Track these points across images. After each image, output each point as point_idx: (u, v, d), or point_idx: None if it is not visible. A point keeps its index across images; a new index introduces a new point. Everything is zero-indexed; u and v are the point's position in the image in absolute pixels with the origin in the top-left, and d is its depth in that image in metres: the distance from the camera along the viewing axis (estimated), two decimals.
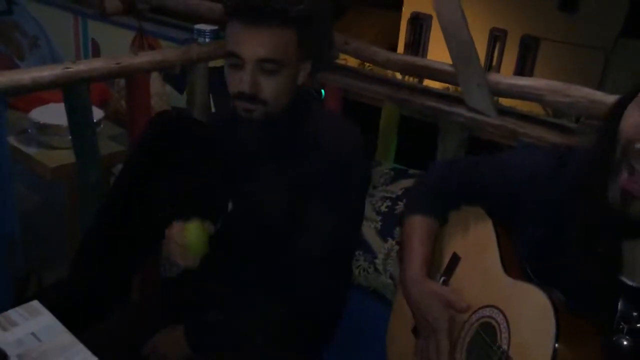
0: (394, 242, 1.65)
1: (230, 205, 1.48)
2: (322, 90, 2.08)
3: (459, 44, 1.64)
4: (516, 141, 1.58)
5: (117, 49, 2.76)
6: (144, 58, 1.80)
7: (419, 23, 16.23)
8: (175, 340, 1.32)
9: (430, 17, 14.92)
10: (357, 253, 1.67)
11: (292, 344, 1.35)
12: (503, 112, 1.66)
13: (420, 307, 1.12)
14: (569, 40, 14.13)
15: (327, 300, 1.36)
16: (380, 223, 1.70)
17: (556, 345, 0.87)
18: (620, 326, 0.90)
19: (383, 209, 1.72)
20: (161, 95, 2.40)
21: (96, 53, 2.89)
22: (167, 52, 1.92)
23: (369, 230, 1.70)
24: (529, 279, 1.01)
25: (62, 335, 1.02)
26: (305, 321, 1.33)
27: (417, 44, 16.62)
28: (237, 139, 1.40)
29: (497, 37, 15.46)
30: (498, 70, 15.18)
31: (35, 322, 1.06)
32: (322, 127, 1.33)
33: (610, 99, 1.46)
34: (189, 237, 1.29)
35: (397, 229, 1.67)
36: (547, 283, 0.96)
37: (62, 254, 2.15)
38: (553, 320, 0.89)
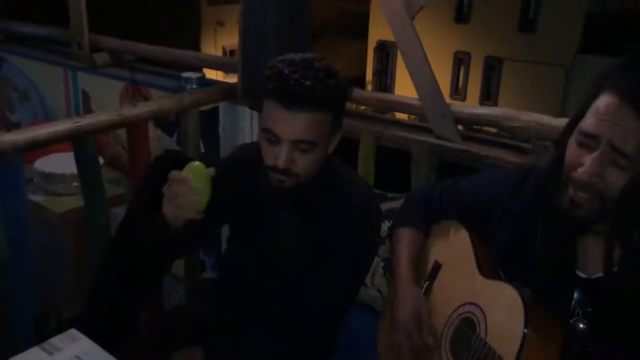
0: (379, 260, 1.83)
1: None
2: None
3: (423, 80, 1.87)
4: (479, 163, 1.80)
5: (106, 98, 2.93)
6: (143, 108, 1.99)
7: (385, 50, 16.72)
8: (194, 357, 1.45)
9: (395, 44, 15.26)
10: None
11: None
12: (466, 137, 1.88)
13: (399, 306, 1.29)
14: (531, 59, 14.71)
15: (331, 337, 1.52)
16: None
17: (525, 330, 1.05)
18: (577, 312, 1.09)
19: None
20: (154, 139, 2.58)
21: (87, 103, 3.05)
22: (163, 101, 2.10)
23: None
24: (501, 279, 1.20)
25: (104, 357, 1.18)
26: (308, 353, 1.46)
27: (385, 70, 17.10)
28: (258, 184, 1.45)
29: (461, 60, 16.01)
30: (465, 92, 15.67)
31: (76, 346, 1.21)
32: (343, 185, 1.42)
33: (556, 122, 1.70)
34: (192, 173, 1.23)
35: (382, 247, 1.86)
36: (516, 281, 1.14)
37: (70, 293, 2.29)
38: (522, 310, 1.07)
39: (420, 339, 1.25)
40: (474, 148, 1.84)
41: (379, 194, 2.07)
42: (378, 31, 15.81)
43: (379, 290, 1.81)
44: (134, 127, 2.02)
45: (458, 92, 15.79)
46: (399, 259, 1.36)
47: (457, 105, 1.88)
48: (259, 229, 1.49)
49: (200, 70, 2.61)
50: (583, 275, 1.10)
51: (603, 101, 0.98)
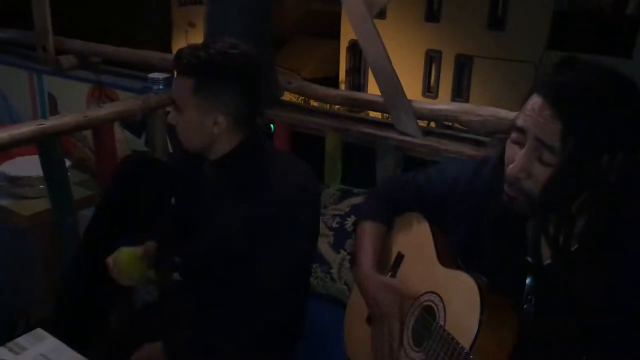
0: (345, 253, 1.87)
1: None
2: (272, 125, 2.32)
3: (385, 79, 1.91)
4: (440, 156, 1.85)
5: (73, 101, 2.91)
6: (108, 110, 1.99)
7: (358, 49, 16.78)
8: (154, 355, 1.46)
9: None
10: (314, 265, 1.89)
11: (259, 353, 1.50)
12: (427, 132, 1.93)
13: (374, 298, 1.32)
14: (500, 56, 14.92)
15: (287, 314, 1.52)
16: (332, 237, 1.93)
17: (481, 317, 1.09)
18: (529, 297, 1.13)
19: (334, 225, 1.96)
20: (121, 141, 2.57)
21: (53, 106, 3.02)
22: (129, 102, 2.11)
23: (323, 245, 1.92)
24: (459, 268, 1.23)
25: (70, 354, 1.19)
26: (269, 332, 1.48)
27: (358, 69, 17.19)
28: (198, 176, 1.55)
29: (432, 58, 16.17)
30: (437, 90, 15.84)
31: (42, 345, 1.22)
32: (273, 165, 1.47)
33: (513, 115, 1.74)
34: (119, 261, 1.52)
35: (348, 241, 1.90)
36: (473, 269, 1.18)
37: (40, 296, 2.28)
38: (478, 297, 1.11)
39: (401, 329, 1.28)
40: (435, 142, 1.89)
41: (345, 190, 2.11)
42: (350, 31, 15.84)
43: (346, 284, 1.85)
44: (100, 129, 2.02)
45: (430, 90, 15.95)
46: (362, 252, 1.40)
47: (418, 102, 1.93)
48: (202, 215, 1.54)
49: (168, 71, 2.61)
50: (533, 262, 1.13)
51: (531, 100, 1.03)
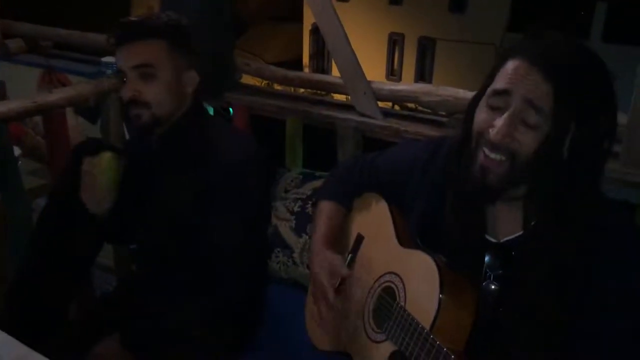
0: (307, 237, 1.86)
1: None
2: (230, 109, 2.27)
3: (344, 59, 1.89)
4: (400, 138, 1.85)
5: (24, 86, 2.80)
6: (59, 95, 1.92)
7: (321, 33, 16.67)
8: (113, 347, 1.44)
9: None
10: (275, 250, 1.87)
11: (219, 335, 1.49)
12: (387, 114, 1.92)
13: (315, 273, 1.32)
14: (462, 39, 15.07)
15: (244, 296, 1.51)
16: (294, 221, 1.90)
17: (441, 295, 1.09)
18: (488, 274, 1.14)
19: (296, 208, 1.93)
20: (75, 127, 2.49)
21: (2, 93, 2.90)
22: (80, 87, 2.03)
23: (285, 229, 1.90)
24: (418, 247, 1.23)
25: (18, 347, 1.14)
26: (228, 312, 1.48)
27: (321, 53, 17.12)
28: (146, 156, 1.55)
29: (395, 41, 16.22)
30: (400, 73, 15.92)
31: None
32: (216, 138, 1.49)
33: (472, 95, 1.75)
34: (102, 164, 1.45)
35: (310, 225, 1.88)
36: (433, 249, 1.18)
37: None
38: (437, 276, 1.11)
39: (335, 304, 1.28)
40: (395, 124, 1.88)
41: (307, 173, 2.09)
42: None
43: (308, 268, 1.83)
44: (51, 115, 1.94)
45: (393, 73, 16.02)
46: (317, 229, 1.39)
47: (377, 83, 1.91)
48: (150, 194, 1.54)
49: None
50: (493, 240, 1.15)
51: (512, 65, 1.02)
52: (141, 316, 1.49)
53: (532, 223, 1.07)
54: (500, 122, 1.01)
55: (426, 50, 15.58)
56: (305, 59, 17.19)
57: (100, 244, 1.85)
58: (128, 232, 1.63)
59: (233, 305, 1.48)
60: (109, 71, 2.31)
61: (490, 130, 1.03)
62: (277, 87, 3.23)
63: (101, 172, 1.43)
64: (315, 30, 16.32)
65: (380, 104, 1.93)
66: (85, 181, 1.45)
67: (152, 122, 1.44)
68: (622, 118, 1.57)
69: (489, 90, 1.06)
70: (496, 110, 1.03)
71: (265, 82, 2.63)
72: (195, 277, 1.46)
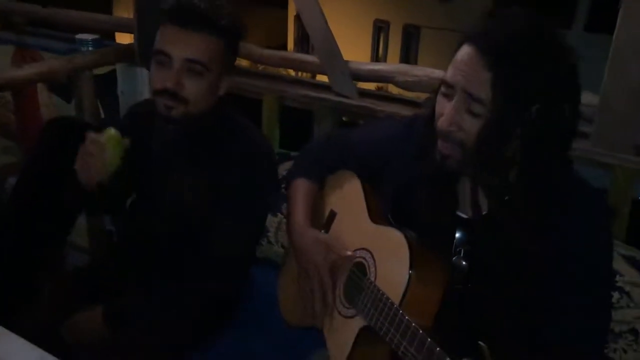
0: (282, 217, 1.85)
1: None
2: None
3: (322, 38, 1.87)
4: (376, 118, 1.84)
5: None
6: (29, 70, 1.88)
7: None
8: (94, 320, 1.42)
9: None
10: None
11: (201, 315, 1.48)
12: (363, 94, 1.91)
13: (305, 253, 1.30)
14: (447, 27, 15.07)
15: (233, 286, 1.52)
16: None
17: (410, 271, 1.09)
18: (458, 250, 1.14)
19: None
20: (48, 105, 2.45)
21: None
22: (52, 62, 1.99)
23: None
24: (390, 224, 1.23)
25: None
26: (212, 301, 1.47)
27: (306, 39, 17.01)
28: (159, 144, 1.47)
29: (380, 28, 16.16)
30: (385, 60, 15.89)
31: None
32: (237, 135, 1.44)
33: None
34: (108, 138, 1.35)
35: (285, 204, 1.87)
36: (404, 225, 1.19)
37: None
38: (407, 252, 1.11)
39: (332, 283, 1.26)
40: (371, 104, 1.87)
41: (282, 153, 2.08)
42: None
43: (283, 247, 1.83)
44: (21, 91, 1.90)
45: (378, 60, 15.98)
46: (294, 209, 1.38)
47: (354, 62, 1.90)
48: (157, 182, 1.49)
49: (100, 32, 2.48)
50: (464, 216, 1.15)
51: (462, 51, 1.03)
52: (125, 292, 1.47)
53: (507, 197, 1.06)
54: (446, 111, 1.03)
55: (411, 37, 15.55)
56: (290, 45, 17.08)
57: (73, 221, 1.83)
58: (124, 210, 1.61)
59: (221, 291, 1.47)
60: (85, 48, 2.26)
61: (440, 119, 1.05)
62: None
63: (103, 149, 1.34)
64: (300, 16, 16.21)
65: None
66: (84, 157, 1.35)
67: (182, 118, 1.35)
68: (593, 99, 1.59)
69: (442, 78, 1.07)
70: (446, 97, 1.05)
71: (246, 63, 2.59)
72: (187, 264, 1.44)
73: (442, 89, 1.06)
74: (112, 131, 1.36)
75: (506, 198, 1.06)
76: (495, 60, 0.97)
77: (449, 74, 1.04)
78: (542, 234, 1.03)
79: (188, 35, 1.30)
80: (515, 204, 1.04)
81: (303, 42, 17.14)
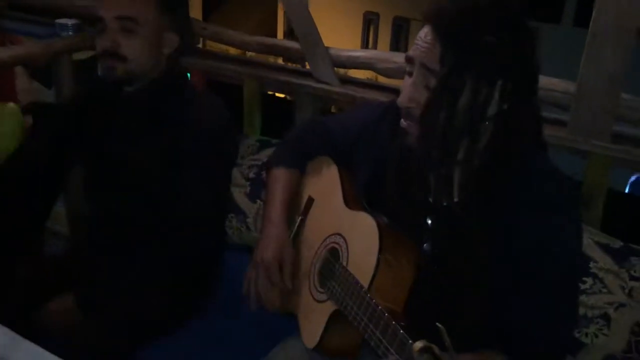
0: (262, 203, 1.84)
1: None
2: (188, 74, 2.23)
3: (302, 25, 1.86)
4: (355, 104, 1.84)
5: None
6: (6, 53, 1.85)
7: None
8: (66, 306, 1.42)
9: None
10: (229, 216, 1.85)
11: (174, 298, 1.49)
12: (344, 81, 1.90)
13: (264, 246, 1.29)
14: None
15: (203, 257, 1.51)
16: (249, 187, 1.89)
17: (379, 255, 1.09)
18: (429, 236, 1.14)
19: (251, 175, 1.92)
20: (28, 91, 2.42)
21: None
22: (30, 46, 1.97)
23: (239, 195, 1.89)
24: (364, 209, 1.23)
25: None
26: (186, 276, 1.47)
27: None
28: (110, 114, 1.49)
29: (370, 20, 16.15)
30: None
31: None
32: (193, 101, 1.46)
33: None
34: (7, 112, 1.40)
35: (264, 191, 1.87)
36: (378, 210, 1.18)
37: None
38: (377, 237, 1.11)
39: (281, 281, 1.26)
40: (352, 91, 1.87)
41: (264, 141, 2.07)
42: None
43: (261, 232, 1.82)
44: None
45: None
46: (271, 199, 1.37)
47: (335, 49, 1.89)
48: (116, 154, 1.49)
49: (81, 17, 2.45)
50: (433, 201, 1.14)
51: (422, 30, 1.03)
52: (95, 276, 1.47)
53: (469, 187, 1.06)
54: (405, 87, 1.04)
55: (401, 30, 15.54)
56: (280, 36, 17.01)
57: (49, 207, 1.82)
58: (86, 190, 1.60)
59: (190, 265, 1.47)
60: (64, 33, 2.23)
61: (400, 95, 1.06)
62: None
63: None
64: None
65: None
66: None
67: (124, 77, 1.40)
68: (570, 87, 1.59)
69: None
70: (409, 76, 1.05)
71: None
72: (154, 238, 1.44)
73: (406, 67, 1.07)
74: (11, 105, 1.39)
75: (473, 184, 1.06)
76: (444, 34, 0.98)
77: (409, 51, 1.05)
78: (508, 221, 1.03)
79: None
80: (481, 191, 1.04)
81: (293, 34, 17.11)
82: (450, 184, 1.09)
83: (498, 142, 1.03)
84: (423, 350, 0.85)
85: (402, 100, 1.05)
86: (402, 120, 1.08)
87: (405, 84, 1.06)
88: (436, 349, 0.85)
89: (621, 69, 1.46)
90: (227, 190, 1.61)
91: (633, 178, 2.92)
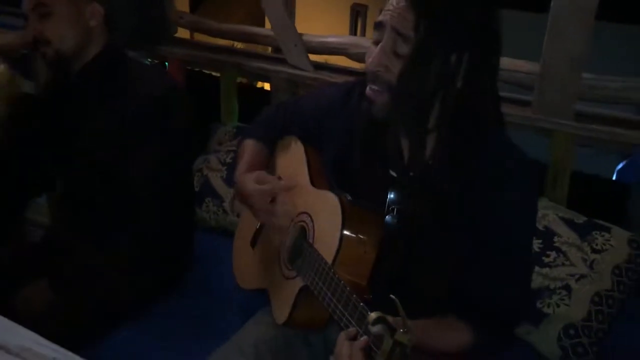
0: None
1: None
2: (166, 63, 2.25)
3: (275, 12, 1.89)
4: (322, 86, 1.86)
5: None
6: None
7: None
8: (40, 289, 1.45)
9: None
10: (206, 199, 1.89)
11: (144, 277, 1.52)
12: (318, 66, 1.93)
13: (246, 195, 1.29)
14: None
15: (168, 232, 1.51)
16: (225, 172, 1.93)
17: (343, 231, 1.12)
18: (391, 208, 1.16)
19: (228, 160, 1.95)
20: (2, 84, 2.41)
21: None
22: (5, 36, 1.98)
23: (216, 179, 1.92)
24: (330, 187, 1.25)
25: None
26: (152, 250, 1.48)
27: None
28: (63, 97, 1.52)
29: (358, 12, 16.13)
30: None
31: None
32: (133, 74, 1.49)
33: None
34: None
35: None
36: (344, 188, 1.21)
37: None
38: (340, 214, 1.14)
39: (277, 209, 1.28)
40: (326, 76, 1.90)
41: (242, 127, 2.10)
42: None
43: (238, 215, 1.85)
44: None
45: None
46: (240, 164, 1.39)
47: (308, 35, 1.92)
48: (71, 130, 1.52)
49: None
50: (395, 175, 1.17)
51: None
52: (67, 259, 1.49)
53: (429, 159, 1.09)
54: (374, 52, 1.05)
55: None
56: (268, 26, 16.95)
57: (27, 197, 1.84)
58: (48, 175, 1.62)
59: (156, 241, 1.48)
60: None
61: (368, 60, 1.06)
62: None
63: None
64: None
65: None
66: None
67: (58, 58, 1.43)
68: (535, 67, 1.63)
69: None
70: (377, 44, 1.06)
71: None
72: (116, 215, 1.47)
73: (374, 34, 1.07)
74: (1, 67, 1.46)
75: (432, 156, 1.08)
76: (419, 3, 1.00)
77: (379, 17, 1.06)
78: (469, 193, 1.06)
79: None
80: (441, 162, 1.07)
81: None
82: (422, 152, 1.10)
83: (463, 113, 1.05)
84: (377, 320, 0.88)
85: (370, 64, 1.05)
86: (367, 87, 1.08)
87: (372, 50, 1.07)
88: (390, 319, 0.88)
89: (582, 49, 1.50)
90: (185, 163, 1.62)
91: (620, 165, 2.93)
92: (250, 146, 1.42)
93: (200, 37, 2.96)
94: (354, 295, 1.01)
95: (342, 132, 1.26)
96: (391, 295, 0.88)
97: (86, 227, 1.54)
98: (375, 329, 0.88)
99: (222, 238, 1.82)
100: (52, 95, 1.55)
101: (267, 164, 1.45)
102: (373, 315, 0.90)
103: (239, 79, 2.19)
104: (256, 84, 3.31)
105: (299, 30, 1.90)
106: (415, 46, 1.00)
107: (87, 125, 1.49)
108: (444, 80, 1.02)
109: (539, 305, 1.45)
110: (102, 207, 1.51)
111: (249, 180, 1.29)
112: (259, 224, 1.37)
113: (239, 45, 2.94)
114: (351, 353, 0.92)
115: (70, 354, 0.94)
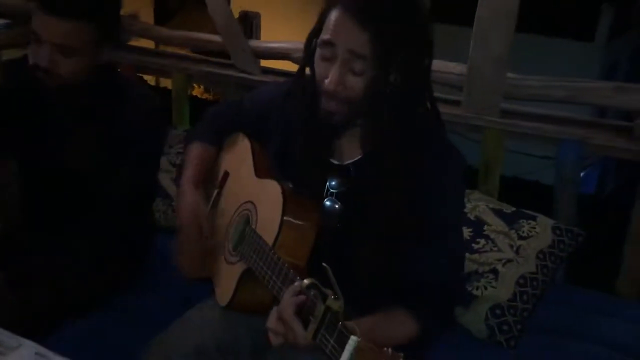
0: None
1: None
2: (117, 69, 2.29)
3: (223, 18, 1.97)
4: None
5: None
6: None
7: (249, 21, 16.42)
8: None
9: (258, 14, 15.03)
10: (156, 199, 1.93)
11: (102, 275, 1.56)
12: (266, 71, 2.02)
13: (180, 214, 1.37)
14: None
15: (133, 238, 1.59)
16: (175, 173, 1.98)
17: (282, 217, 1.19)
18: (330, 194, 1.24)
19: (178, 161, 2.01)
20: None
21: None
22: None
23: (166, 180, 1.97)
24: (273, 178, 1.30)
25: None
26: (114, 255, 1.54)
27: (250, 28, 16.85)
28: (42, 106, 1.52)
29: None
30: None
31: None
32: (127, 89, 1.53)
33: None
34: None
35: None
36: (286, 177, 1.27)
37: None
38: (280, 200, 1.21)
39: (201, 240, 1.35)
40: (272, 79, 1.98)
41: (189, 130, 2.15)
42: (240, 1, 15.47)
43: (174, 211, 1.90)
44: None
45: None
46: (185, 171, 1.44)
47: (254, 41, 2.00)
48: (51, 138, 1.53)
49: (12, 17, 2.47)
50: (337, 163, 1.25)
51: (333, 15, 1.10)
52: (25, 255, 1.51)
53: (369, 148, 1.18)
54: (331, 73, 1.10)
55: None
56: None
57: None
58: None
59: (120, 246, 1.54)
60: None
61: (326, 81, 1.12)
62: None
63: None
64: (243, 18, 16.07)
65: None
66: None
67: (59, 87, 1.42)
68: (464, 69, 1.75)
69: (319, 40, 1.14)
70: (327, 61, 1.12)
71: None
72: (76, 215, 1.50)
73: (322, 51, 1.12)
74: None
75: (375, 146, 1.16)
76: (369, 20, 1.06)
77: (329, 35, 1.10)
78: (403, 182, 1.14)
79: (56, 22, 1.36)
80: (383, 152, 1.15)
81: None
82: (354, 146, 1.20)
83: (405, 110, 1.14)
84: (310, 286, 0.97)
85: (330, 86, 1.10)
86: (324, 102, 1.14)
87: (326, 69, 1.11)
88: (320, 286, 0.95)
89: (505, 50, 1.62)
90: (155, 174, 1.68)
91: (582, 174, 3.06)
92: (196, 150, 1.47)
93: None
94: (292, 270, 1.08)
95: (285, 125, 1.33)
96: (323, 264, 0.93)
97: (50, 225, 1.55)
98: (310, 293, 0.95)
99: (171, 236, 1.85)
100: (34, 101, 1.53)
101: (214, 163, 1.50)
102: (306, 281, 0.98)
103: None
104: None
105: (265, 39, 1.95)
106: (374, 63, 1.08)
107: (68, 135, 1.51)
108: (393, 84, 1.10)
109: (468, 288, 1.55)
110: (63, 206, 1.53)
111: (188, 202, 1.37)
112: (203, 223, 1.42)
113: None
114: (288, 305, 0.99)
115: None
